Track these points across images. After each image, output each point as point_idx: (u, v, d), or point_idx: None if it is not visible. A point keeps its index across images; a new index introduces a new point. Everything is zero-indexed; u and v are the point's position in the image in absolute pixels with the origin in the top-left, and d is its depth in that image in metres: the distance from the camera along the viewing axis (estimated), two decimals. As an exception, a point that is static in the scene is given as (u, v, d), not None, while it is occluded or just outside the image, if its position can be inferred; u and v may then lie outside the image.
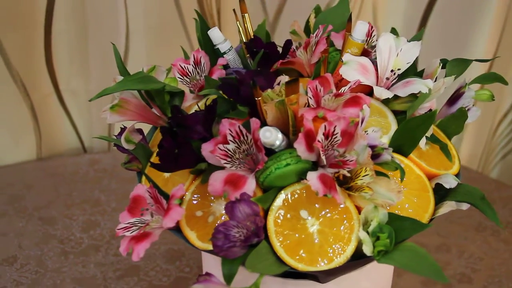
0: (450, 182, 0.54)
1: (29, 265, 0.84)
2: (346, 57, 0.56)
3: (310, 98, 0.53)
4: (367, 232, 0.50)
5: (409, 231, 0.49)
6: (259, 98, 0.51)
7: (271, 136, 0.49)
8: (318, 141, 0.49)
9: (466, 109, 0.61)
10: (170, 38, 1.02)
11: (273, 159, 0.51)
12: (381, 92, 0.54)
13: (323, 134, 0.50)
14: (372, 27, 0.63)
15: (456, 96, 0.61)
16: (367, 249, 0.49)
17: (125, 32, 1.00)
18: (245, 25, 0.63)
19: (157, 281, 0.81)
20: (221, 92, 0.54)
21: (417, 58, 0.60)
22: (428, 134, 0.56)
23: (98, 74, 1.03)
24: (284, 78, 0.53)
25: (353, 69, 0.56)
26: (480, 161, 1.13)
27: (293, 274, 0.52)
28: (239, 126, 0.51)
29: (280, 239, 0.51)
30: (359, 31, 0.58)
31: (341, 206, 0.51)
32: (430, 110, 0.58)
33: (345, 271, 0.51)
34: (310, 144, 0.50)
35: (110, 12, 0.99)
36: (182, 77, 0.62)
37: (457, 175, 0.58)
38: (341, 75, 0.56)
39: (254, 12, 1.04)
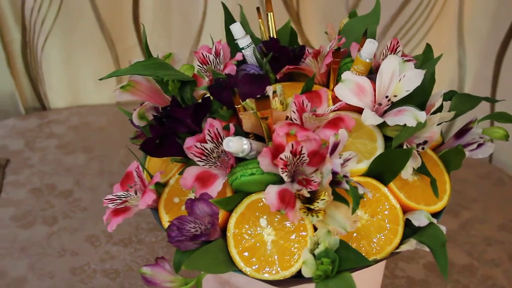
0: (420, 220, 0.53)
1: (80, 201, 0.94)
2: (345, 75, 0.56)
3: (294, 112, 0.54)
4: (314, 254, 0.51)
5: (352, 262, 0.50)
6: (238, 106, 0.53)
7: (234, 146, 0.51)
8: (281, 158, 0.50)
9: (477, 144, 0.59)
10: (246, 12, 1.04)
11: (241, 166, 0.53)
12: (368, 118, 0.54)
13: (290, 152, 0.51)
14: (397, 42, 0.61)
15: (464, 130, 0.59)
16: (307, 271, 0.50)
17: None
18: (269, 23, 0.64)
19: (182, 241, 0.87)
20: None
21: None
22: (416, 166, 0.55)
23: (178, 34, 1.09)
24: (269, 89, 0.54)
25: (348, 89, 0.55)
26: None
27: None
28: (217, 128, 0.53)
29: (237, 240, 0.54)
30: (366, 50, 0.57)
31: (300, 222, 0.53)
32: (426, 141, 0.56)
33: (288, 285, 0.52)
34: (277, 158, 0.51)
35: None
36: (201, 65, 0.64)
37: (438, 214, 0.56)
38: (340, 91, 0.56)
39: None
